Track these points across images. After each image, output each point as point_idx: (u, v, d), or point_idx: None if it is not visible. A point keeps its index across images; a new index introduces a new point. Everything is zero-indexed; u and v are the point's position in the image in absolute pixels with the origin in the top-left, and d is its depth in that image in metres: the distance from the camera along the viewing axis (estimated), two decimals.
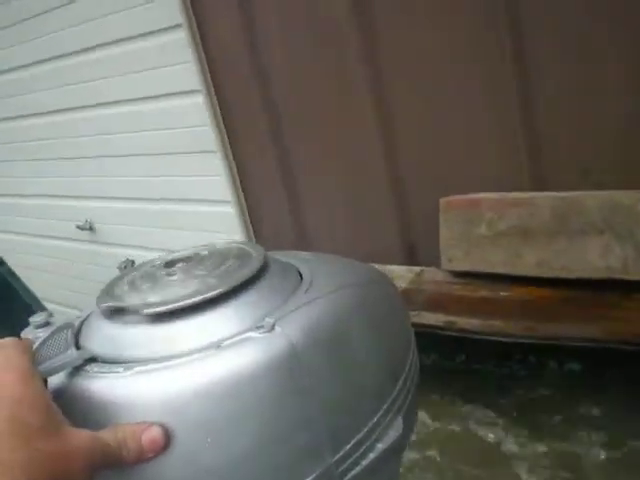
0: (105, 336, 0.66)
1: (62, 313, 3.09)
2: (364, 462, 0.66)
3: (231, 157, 2.19)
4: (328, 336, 0.64)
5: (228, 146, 2.18)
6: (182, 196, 2.58)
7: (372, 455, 0.67)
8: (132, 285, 0.70)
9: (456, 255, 1.52)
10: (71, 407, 0.60)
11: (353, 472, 0.65)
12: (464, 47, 1.60)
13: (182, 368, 0.59)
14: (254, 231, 2.25)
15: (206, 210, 2.47)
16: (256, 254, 0.71)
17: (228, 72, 2.10)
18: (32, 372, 0.57)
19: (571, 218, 1.38)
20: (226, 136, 2.16)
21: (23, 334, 0.72)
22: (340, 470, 0.64)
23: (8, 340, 0.61)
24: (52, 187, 3.45)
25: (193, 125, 2.31)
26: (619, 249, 1.33)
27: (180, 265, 0.71)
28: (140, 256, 3.10)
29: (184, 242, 2.72)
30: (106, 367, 0.62)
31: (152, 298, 0.66)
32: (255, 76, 2.03)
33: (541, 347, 1.37)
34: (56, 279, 3.61)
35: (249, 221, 2.25)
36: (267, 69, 2.00)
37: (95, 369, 0.62)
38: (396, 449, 0.70)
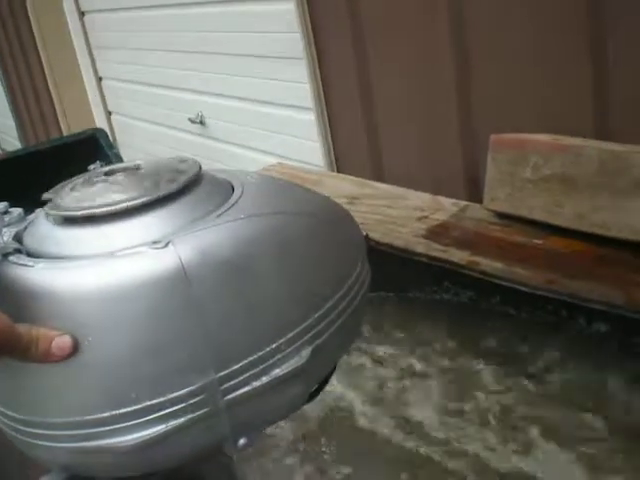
0: (36, 232, 0.72)
1: None
2: (255, 383, 0.70)
3: (317, 66, 2.20)
4: (225, 261, 0.66)
5: (315, 55, 2.18)
6: (274, 100, 2.62)
7: (265, 379, 0.70)
8: (72, 188, 0.75)
9: (498, 195, 1.48)
10: None
11: (240, 391, 0.69)
12: None
13: (74, 269, 0.64)
14: (333, 142, 2.27)
15: (293, 116, 2.51)
16: (188, 171, 0.74)
17: None
18: None
19: (618, 174, 1.31)
20: (314, 46, 2.16)
21: None
22: (224, 387, 0.68)
23: None
24: (170, 79, 3.56)
25: (285, 31, 2.32)
26: None
27: (118, 175, 0.75)
28: (238, 154, 3.19)
29: (273, 145, 2.78)
30: (23, 259, 0.68)
31: (78, 203, 0.71)
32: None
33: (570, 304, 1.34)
34: None
35: (329, 132, 2.26)
36: None
37: (16, 260, 0.68)
38: (300, 377, 0.73)
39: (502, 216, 1.50)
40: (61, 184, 0.78)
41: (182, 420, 0.67)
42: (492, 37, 1.63)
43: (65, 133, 4.49)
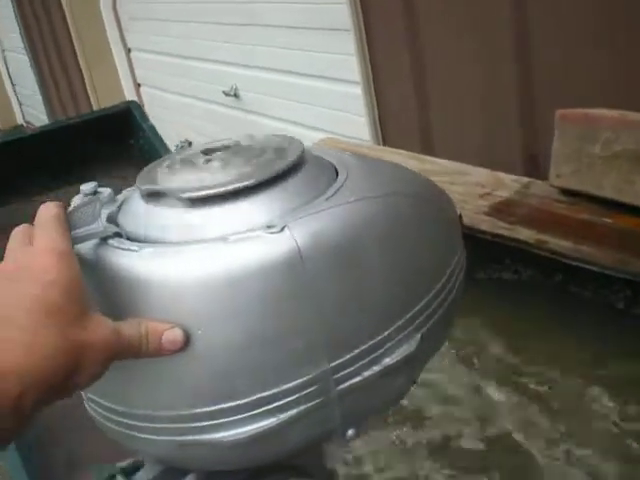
0: (135, 214, 0.69)
1: None
2: (366, 373, 0.67)
3: (364, 39, 2.14)
4: (339, 245, 0.63)
5: (362, 27, 2.12)
6: (318, 72, 2.57)
7: (376, 368, 0.68)
8: (170, 168, 0.71)
9: (565, 172, 1.43)
10: (89, 275, 0.64)
11: (352, 381, 0.66)
12: None
13: (185, 255, 0.61)
14: (379, 116, 2.22)
15: (338, 89, 2.46)
16: (293, 150, 0.71)
17: None
18: (71, 255, 0.59)
19: None
20: (361, 16, 2.11)
21: (73, 201, 0.75)
22: (336, 377, 0.65)
23: (50, 219, 0.62)
24: (203, 50, 3.52)
25: (332, 2, 2.27)
26: None
27: (218, 154, 0.72)
28: (277, 128, 3.15)
29: (315, 118, 2.73)
30: (126, 244, 0.65)
31: (181, 184, 0.67)
32: None
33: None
34: (201, 141, 3.75)
35: (375, 106, 2.22)
36: None
37: (116, 244, 0.65)
38: (408, 365, 0.71)
39: (568, 193, 1.45)
40: (153, 163, 0.74)
41: (294, 412, 0.64)
42: (555, 4, 1.57)
43: (95, 107, 4.45)
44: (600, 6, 1.49)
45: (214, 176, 0.67)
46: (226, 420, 0.63)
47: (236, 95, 3.46)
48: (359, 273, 0.65)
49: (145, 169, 0.73)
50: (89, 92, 4.60)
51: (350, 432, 0.70)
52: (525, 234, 1.34)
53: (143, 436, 0.66)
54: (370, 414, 0.72)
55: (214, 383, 0.62)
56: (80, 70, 4.61)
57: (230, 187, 0.64)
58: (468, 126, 1.51)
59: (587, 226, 1.35)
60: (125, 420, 0.67)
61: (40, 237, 0.60)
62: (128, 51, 4.29)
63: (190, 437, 0.64)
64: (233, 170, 0.68)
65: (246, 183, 0.65)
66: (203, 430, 0.63)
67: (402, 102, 2.09)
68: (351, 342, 0.65)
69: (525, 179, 1.54)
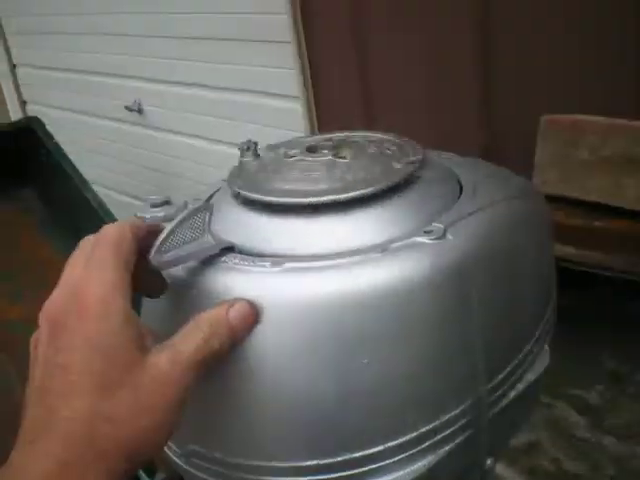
0: (242, 225, 0.58)
1: (108, 196, 3.04)
2: (512, 394, 0.60)
3: (304, 50, 2.07)
4: (499, 249, 0.56)
5: (303, 38, 2.05)
6: (245, 86, 2.47)
7: (520, 386, 0.61)
8: (272, 171, 0.61)
9: (551, 178, 1.42)
10: (200, 303, 0.53)
11: (501, 404, 0.59)
12: None
13: (342, 269, 0.52)
14: (320, 132, 2.16)
15: (270, 103, 2.37)
16: (414, 149, 0.63)
17: None
18: (120, 293, 0.48)
19: None
20: (301, 27, 2.04)
21: (139, 213, 0.63)
22: (491, 400, 0.57)
23: (112, 232, 0.51)
24: (103, 64, 3.35)
25: (266, 12, 2.18)
26: None
27: (325, 152, 0.63)
28: (192, 145, 3.02)
29: (240, 135, 2.63)
30: (249, 260, 0.54)
31: (301, 188, 0.57)
32: None
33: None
34: (106, 161, 3.55)
35: (315, 121, 2.15)
36: None
37: (235, 261, 0.55)
38: (540, 380, 0.64)
39: (552, 199, 1.44)
40: (236, 171, 0.64)
41: (451, 446, 0.56)
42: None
43: None
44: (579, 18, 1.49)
45: (333, 179, 0.58)
46: (386, 463, 0.53)
47: (140, 111, 3.30)
48: (516, 278, 0.58)
49: (233, 173, 0.63)
50: None
51: (489, 462, 0.62)
52: None
53: None
54: (508, 439, 0.65)
55: (376, 419, 0.52)
56: None
57: (369, 190, 0.55)
58: (422, 140, 1.47)
59: (582, 231, 1.34)
60: (238, 473, 0.55)
61: (94, 265, 0.49)
62: (13, 67, 4.03)
63: None
64: (354, 172, 0.59)
65: (381, 186, 0.56)
66: (362, 476, 0.53)
67: (346, 117, 2.03)
68: (504, 360, 0.58)
69: None
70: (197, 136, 3.00)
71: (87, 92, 3.56)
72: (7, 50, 3.95)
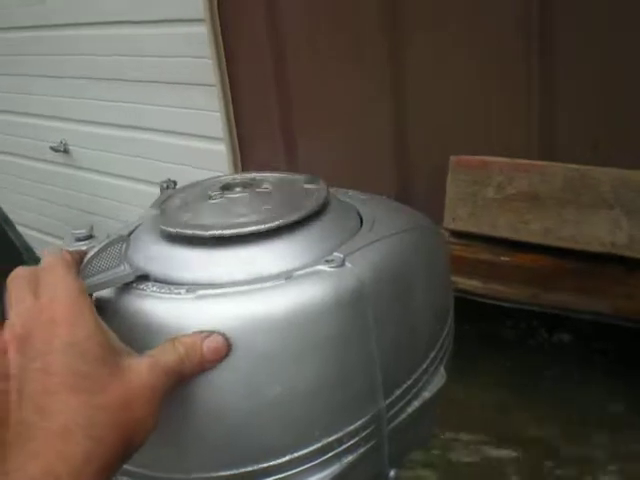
0: (159, 256, 0.63)
1: (33, 237, 3.02)
2: (409, 409, 0.66)
3: (229, 94, 2.14)
4: (393, 276, 0.62)
5: (227, 82, 2.12)
6: (171, 128, 2.52)
7: (417, 403, 0.66)
8: (189, 206, 0.67)
9: (460, 215, 1.51)
10: (119, 328, 0.58)
11: (400, 418, 0.64)
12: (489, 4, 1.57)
13: (251, 295, 0.57)
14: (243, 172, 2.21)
15: (195, 145, 2.41)
16: (318, 186, 0.69)
17: (235, 4, 2.03)
18: (85, 302, 0.52)
19: (582, 190, 1.37)
20: (226, 71, 2.10)
21: (64, 246, 0.68)
22: (390, 414, 0.63)
23: (55, 257, 0.55)
24: (27, 104, 3.34)
25: (191, 56, 2.24)
26: (627, 225, 1.34)
27: (239, 189, 0.68)
28: (118, 185, 3.03)
29: (168, 175, 2.66)
30: (164, 287, 0.59)
31: (216, 221, 0.63)
32: (263, 11, 1.97)
33: (536, 314, 1.38)
34: (29, 202, 3.52)
35: (239, 162, 2.20)
36: (277, 5, 1.94)
37: (152, 288, 0.59)
38: (436, 399, 0.70)
39: (462, 235, 1.52)
40: (161, 198, 0.69)
41: (354, 456, 0.61)
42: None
43: None
44: (479, 67, 1.60)
45: (245, 214, 0.64)
46: (294, 471, 0.58)
47: (66, 151, 3.30)
48: (410, 302, 0.64)
49: (155, 202, 0.68)
50: None
51: (392, 473, 0.67)
52: None
53: None
54: (408, 453, 0.70)
55: (285, 431, 0.57)
56: None
57: (269, 224, 0.61)
58: (340, 181, 1.56)
59: (488, 265, 1.42)
60: None
61: (49, 287, 0.52)
62: None
63: None
64: (263, 207, 0.65)
65: (288, 219, 0.62)
66: None
67: (269, 158, 2.10)
68: (401, 377, 0.64)
69: None
70: (123, 176, 3.02)
71: (11, 132, 3.54)
72: None
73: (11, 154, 3.62)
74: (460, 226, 1.52)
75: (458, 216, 1.51)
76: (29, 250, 2.45)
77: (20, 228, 2.60)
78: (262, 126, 2.12)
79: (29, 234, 2.72)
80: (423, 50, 1.66)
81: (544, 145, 1.53)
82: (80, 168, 3.25)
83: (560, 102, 1.50)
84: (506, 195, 1.45)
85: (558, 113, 1.51)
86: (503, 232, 1.46)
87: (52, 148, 3.31)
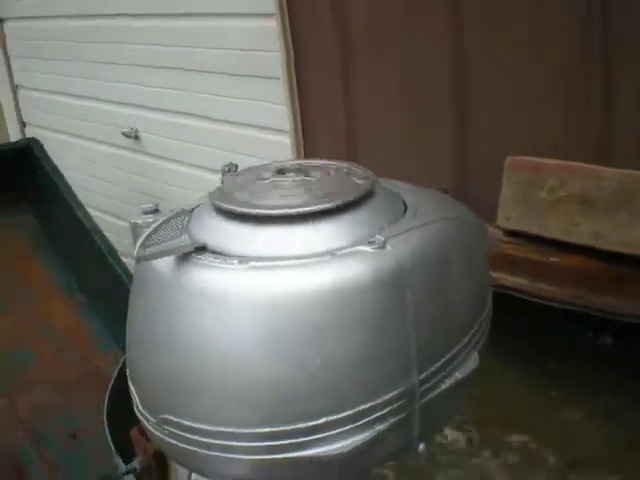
0: (216, 230, 0.69)
1: (99, 219, 3.13)
2: (442, 386, 0.70)
3: (295, 87, 2.19)
4: (432, 261, 0.67)
5: (294, 75, 2.17)
6: (237, 119, 2.59)
7: (449, 382, 0.71)
8: (247, 187, 0.72)
9: (513, 214, 1.53)
10: (177, 294, 0.64)
11: (431, 395, 0.69)
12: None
13: (298, 269, 0.62)
14: None
15: (260, 136, 2.48)
16: (365, 175, 0.74)
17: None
18: None
19: (635, 195, 1.39)
20: (293, 65, 2.16)
21: (132, 219, 0.74)
22: (422, 390, 0.68)
23: None
24: (103, 91, 3.46)
25: (260, 49, 2.31)
26: None
27: (292, 174, 0.74)
28: (183, 172, 3.13)
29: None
30: (219, 258, 0.65)
31: (269, 201, 0.68)
32: (330, 6, 2.02)
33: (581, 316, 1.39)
34: (97, 184, 3.65)
35: (302, 154, 2.26)
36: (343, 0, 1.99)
37: (208, 259, 0.65)
38: (469, 381, 0.74)
39: (514, 234, 1.55)
40: (219, 187, 0.75)
41: (386, 425, 0.66)
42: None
43: None
44: (543, 63, 1.62)
45: (297, 196, 0.69)
46: (327, 434, 0.63)
47: (137, 137, 3.40)
48: (446, 289, 0.69)
49: (217, 188, 0.74)
50: None
51: (421, 447, 0.72)
52: None
53: (238, 457, 0.65)
54: (438, 429, 0.75)
55: (322, 397, 0.62)
56: None
57: (318, 207, 0.66)
58: (400, 176, 1.59)
59: (536, 265, 1.44)
60: (216, 441, 0.64)
61: None
62: (15, 88, 4.14)
63: (291, 454, 0.63)
64: (313, 191, 0.70)
65: (336, 202, 0.67)
66: (305, 445, 0.63)
67: (331, 151, 2.15)
68: (435, 356, 0.68)
69: None
70: (189, 164, 3.10)
71: (85, 117, 3.67)
72: (10, 72, 4.07)
73: (84, 138, 3.75)
74: (513, 225, 1.54)
75: (511, 216, 1.54)
76: (99, 234, 2.55)
77: (88, 209, 2.71)
78: (326, 120, 2.17)
79: (96, 215, 2.82)
80: (486, 48, 1.69)
81: (600, 149, 1.54)
82: (148, 154, 3.35)
83: (619, 107, 1.52)
84: (558, 197, 1.47)
85: (617, 118, 1.52)
86: (554, 233, 1.48)
87: (123, 134, 3.41)
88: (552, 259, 1.47)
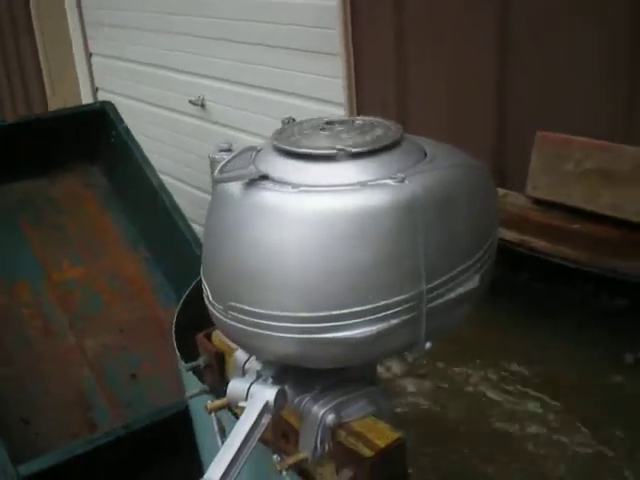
0: (275, 163, 0.89)
1: (166, 182, 3.35)
2: (446, 297, 0.89)
3: (352, 63, 2.37)
4: (441, 196, 0.85)
5: (351, 52, 2.35)
6: (296, 91, 2.78)
7: (452, 294, 0.89)
8: (301, 132, 0.92)
9: (541, 184, 1.69)
10: (243, 210, 0.84)
11: (436, 302, 0.87)
12: None
13: (335, 194, 0.82)
14: None
15: (317, 108, 2.66)
16: (395, 128, 0.92)
17: None
18: None
19: None
20: (351, 42, 2.34)
21: (211, 154, 0.95)
22: (429, 296, 0.86)
23: None
24: (173, 60, 3.65)
25: (321, 26, 2.49)
26: None
27: (338, 125, 0.93)
28: (242, 139, 3.33)
29: None
30: (277, 184, 0.85)
31: (317, 143, 0.88)
32: None
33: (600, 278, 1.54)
34: (165, 149, 3.86)
35: None
36: None
37: (269, 184, 0.85)
38: (470, 298, 0.92)
39: (541, 202, 1.71)
40: (281, 128, 0.95)
41: (398, 320, 0.85)
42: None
43: (50, 108, 4.52)
44: (580, 48, 1.76)
45: (341, 140, 0.88)
46: (353, 321, 0.83)
47: (203, 105, 3.59)
48: (452, 220, 0.87)
49: (275, 134, 0.93)
50: (47, 93, 4.67)
51: (427, 345, 0.90)
52: (508, 234, 1.58)
53: (276, 334, 0.85)
54: (442, 333, 0.93)
55: (350, 290, 0.82)
56: (39, 71, 4.68)
57: (358, 149, 0.85)
58: (445, 137, 1.76)
59: (560, 230, 1.60)
60: (259, 320, 0.84)
61: None
62: (89, 55, 4.39)
63: (322, 335, 0.83)
64: (353, 137, 0.89)
65: (370, 147, 0.86)
66: (336, 329, 0.83)
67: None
68: (441, 272, 0.87)
69: (503, 190, 1.79)
70: (250, 132, 3.29)
71: (155, 84, 3.88)
72: (85, 39, 4.32)
73: (152, 104, 3.96)
74: (539, 194, 1.70)
75: (539, 185, 1.70)
76: (166, 193, 2.76)
77: None
78: (378, 95, 2.34)
79: (163, 178, 3.04)
80: (532, 24, 1.83)
81: (625, 129, 1.69)
82: (212, 122, 3.55)
83: None
84: (583, 170, 1.63)
85: None
86: (577, 202, 1.64)
87: (191, 102, 3.61)
88: (574, 226, 1.63)
